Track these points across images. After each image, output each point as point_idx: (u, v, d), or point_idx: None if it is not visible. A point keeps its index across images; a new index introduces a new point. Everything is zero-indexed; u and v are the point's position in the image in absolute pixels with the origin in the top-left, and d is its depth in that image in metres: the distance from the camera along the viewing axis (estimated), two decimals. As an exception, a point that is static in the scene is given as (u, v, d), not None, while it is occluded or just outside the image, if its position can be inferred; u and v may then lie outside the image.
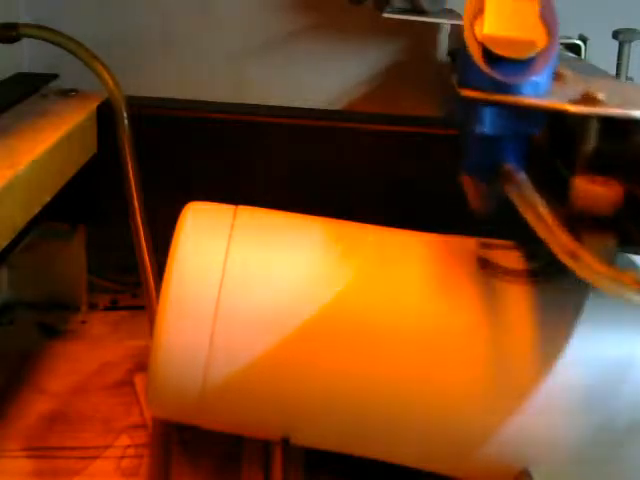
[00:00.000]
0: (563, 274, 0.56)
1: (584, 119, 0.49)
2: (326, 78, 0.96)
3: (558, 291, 0.56)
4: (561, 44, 0.79)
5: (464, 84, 0.52)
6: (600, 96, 0.48)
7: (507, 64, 0.51)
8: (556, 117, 0.51)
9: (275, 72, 0.97)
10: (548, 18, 0.52)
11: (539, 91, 0.51)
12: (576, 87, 0.52)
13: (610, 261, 0.43)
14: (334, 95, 0.97)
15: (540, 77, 0.51)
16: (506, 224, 0.55)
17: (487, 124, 0.52)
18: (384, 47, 0.96)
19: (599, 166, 0.48)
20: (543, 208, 0.47)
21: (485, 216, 0.57)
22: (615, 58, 0.83)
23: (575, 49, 0.85)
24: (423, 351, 0.55)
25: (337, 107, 0.97)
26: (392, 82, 0.97)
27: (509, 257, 0.58)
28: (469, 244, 0.59)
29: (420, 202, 0.84)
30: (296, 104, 0.92)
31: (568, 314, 0.55)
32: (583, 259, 0.42)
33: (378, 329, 0.55)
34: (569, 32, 0.85)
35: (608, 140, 0.49)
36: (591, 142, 0.49)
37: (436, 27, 0.95)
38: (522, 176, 0.51)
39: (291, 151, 0.86)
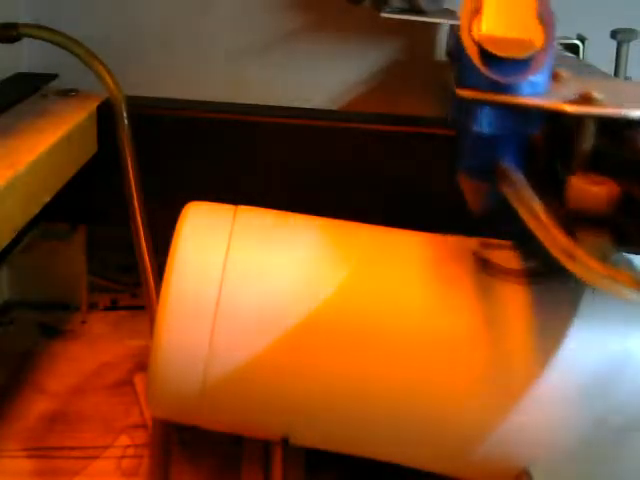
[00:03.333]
0: (562, 273, 0.57)
1: (581, 119, 0.48)
2: (326, 78, 0.96)
3: (557, 291, 0.56)
4: (559, 44, 0.79)
5: (461, 84, 0.52)
6: (597, 96, 0.48)
7: (504, 64, 0.50)
8: (553, 117, 0.51)
9: (275, 72, 0.97)
10: (545, 17, 0.51)
11: (536, 91, 0.50)
12: (573, 87, 0.51)
13: (606, 260, 0.42)
14: (334, 95, 0.97)
15: (538, 77, 0.50)
16: (506, 224, 0.55)
17: (484, 124, 0.52)
18: (384, 47, 0.96)
19: (596, 165, 0.48)
20: (539, 207, 0.46)
21: (482, 216, 0.57)
22: (613, 58, 0.83)
23: (573, 49, 0.85)
24: (422, 351, 0.55)
25: (337, 107, 0.97)
26: (392, 82, 0.97)
27: (509, 257, 0.58)
28: (469, 244, 0.59)
29: (420, 202, 0.84)
30: (296, 104, 0.92)
31: (567, 313, 0.55)
32: (578, 257, 0.42)
33: (378, 329, 0.55)
34: (567, 32, 0.85)
35: (605, 139, 0.48)
36: (588, 142, 0.48)
37: (435, 27, 0.95)
38: (519, 175, 0.51)
39: (291, 151, 0.86)
